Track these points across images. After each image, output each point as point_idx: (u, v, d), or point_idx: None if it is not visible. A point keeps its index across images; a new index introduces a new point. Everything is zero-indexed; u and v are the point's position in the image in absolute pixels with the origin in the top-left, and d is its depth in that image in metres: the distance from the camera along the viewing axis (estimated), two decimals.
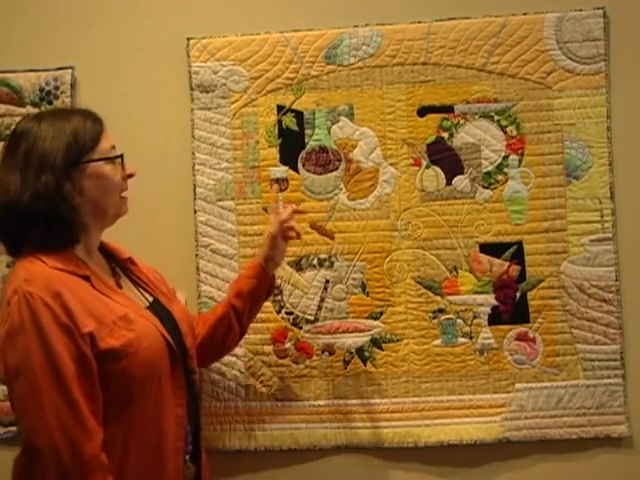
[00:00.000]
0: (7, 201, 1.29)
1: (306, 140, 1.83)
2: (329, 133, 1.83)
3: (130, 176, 1.43)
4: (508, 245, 1.79)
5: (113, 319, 1.29)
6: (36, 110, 1.87)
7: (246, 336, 1.81)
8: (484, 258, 1.79)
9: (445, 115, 1.81)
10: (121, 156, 1.40)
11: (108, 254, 1.48)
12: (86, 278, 1.32)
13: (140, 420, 1.31)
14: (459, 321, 1.79)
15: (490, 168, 1.80)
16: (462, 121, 1.81)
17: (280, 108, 1.84)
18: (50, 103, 1.87)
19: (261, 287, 1.63)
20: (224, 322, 1.61)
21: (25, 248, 1.33)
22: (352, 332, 1.81)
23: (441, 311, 1.80)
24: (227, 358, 1.82)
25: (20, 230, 1.31)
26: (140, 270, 1.51)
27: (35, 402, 1.22)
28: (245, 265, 1.73)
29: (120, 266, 1.49)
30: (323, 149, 1.83)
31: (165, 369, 1.35)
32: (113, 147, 1.40)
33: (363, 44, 1.82)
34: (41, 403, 1.21)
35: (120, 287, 1.42)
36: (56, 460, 1.20)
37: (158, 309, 1.45)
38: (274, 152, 1.84)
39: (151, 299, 1.47)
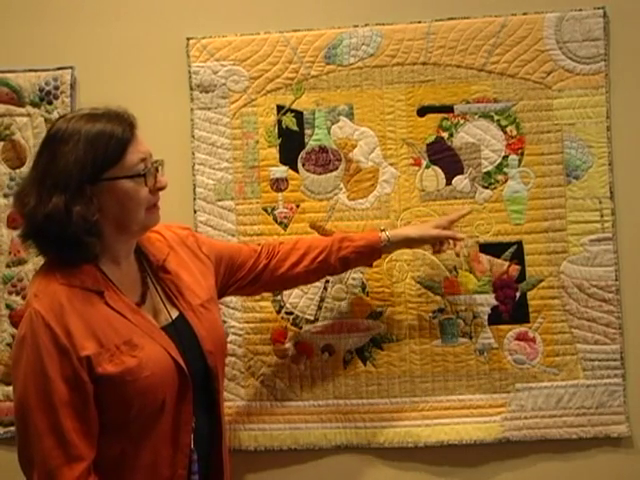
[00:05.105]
0: (25, 214, 1.28)
1: (306, 140, 1.83)
2: (329, 133, 1.83)
3: (160, 189, 1.35)
4: (508, 245, 1.79)
5: (117, 343, 1.26)
6: (36, 110, 1.88)
7: (246, 336, 1.82)
8: (484, 258, 1.79)
9: (445, 115, 1.81)
10: (143, 174, 1.30)
11: (146, 257, 1.42)
12: (100, 294, 1.29)
13: (136, 444, 1.29)
14: (459, 321, 1.79)
15: (490, 168, 1.80)
16: (462, 121, 1.81)
17: (280, 108, 1.84)
18: (50, 103, 1.87)
19: (366, 262, 1.71)
20: (323, 270, 1.65)
21: (47, 256, 1.33)
22: (352, 332, 1.81)
23: (441, 311, 1.80)
24: (227, 358, 1.82)
25: (39, 241, 1.31)
26: (172, 279, 1.42)
27: (23, 420, 1.23)
28: (365, 233, 1.73)
29: (154, 273, 1.41)
30: (323, 149, 1.83)
31: (171, 395, 1.30)
32: (142, 160, 1.31)
33: (363, 44, 1.82)
34: (27, 422, 1.22)
35: (143, 301, 1.36)
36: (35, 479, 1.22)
37: (180, 327, 1.37)
38: (274, 152, 1.84)
39: (176, 314, 1.39)
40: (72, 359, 1.22)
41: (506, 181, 1.80)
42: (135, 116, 1.35)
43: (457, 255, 1.78)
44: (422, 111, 1.82)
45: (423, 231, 1.68)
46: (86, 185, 1.25)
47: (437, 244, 1.68)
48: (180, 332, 1.37)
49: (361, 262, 1.69)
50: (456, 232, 1.70)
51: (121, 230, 1.32)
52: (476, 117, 1.80)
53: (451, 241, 1.68)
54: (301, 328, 1.82)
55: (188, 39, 1.85)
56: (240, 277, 1.60)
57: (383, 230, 1.67)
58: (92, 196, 1.26)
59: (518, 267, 1.79)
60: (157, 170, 1.35)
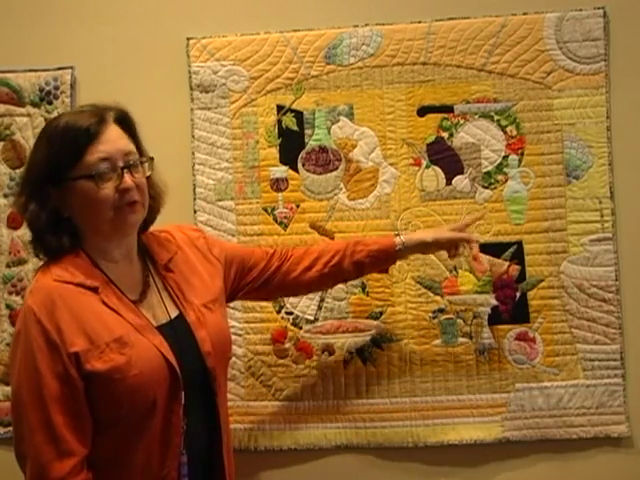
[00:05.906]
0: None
1: (306, 140, 1.83)
2: (329, 133, 1.83)
3: (125, 190, 1.28)
4: (508, 245, 1.79)
5: (107, 340, 1.25)
6: (36, 110, 1.88)
7: (246, 336, 1.82)
8: (484, 258, 1.79)
9: (445, 115, 1.81)
10: (93, 175, 1.25)
11: (151, 257, 1.42)
12: (94, 290, 1.28)
13: (129, 443, 1.29)
14: (459, 321, 1.79)
15: (490, 168, 1.80)
16: (462, 121, 1.81)
17: (280, 108, 1.84)
18: (50, 103, 1.87)
19: (381, 267, 1.66)
20: (337, 274, 1.61)
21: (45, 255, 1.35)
22: (352, 332, 1.81)
23: (441, 311, 1.80)
24: None
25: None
26: (175, 279, 1.41)
27: (18, 415, 1.25)
28: (380, 237, 1.70)
29: (158, 273, 1.41)
30: (323, 149, 1.83)
31: (161, 395, 1.28)
32: (103, 159, 1.26)
33: (363, 44, 1.82)
34: (21, 417, 1.24)
35: (142, 300, 1.35)
36: (28, 474, 1.24)
37: (178, 326, 1.36)
38: (274, 152, 1.84)
39: (175, 314, 1.38)
40: (62, 355, 1.23)
41: (506, 181, 1.80)
42: (122, 109, 1.34)
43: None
44: (422, 111, 1.82)
45: (438, 234, 1.64)
46: (45, 185, 1.28)
47: (452, 249, 1.64)
48: (177, 331, 1.36)
49: (376, 267, 1.66)
50: (471, 234, 1.68)
51: (96, 231, 1.31)
52: (476, 117, 1.80)
53: (466, 244, 1.66)
54: (301, 328, 1.82)
55: (188, 39, 1.85)
56: (251, 280, 1.58)
57: (398, 234, 1.65)
58: (59, 195, 1.28)
59: (518, 267, 1.79)
60: (128, 169, 1.30)
